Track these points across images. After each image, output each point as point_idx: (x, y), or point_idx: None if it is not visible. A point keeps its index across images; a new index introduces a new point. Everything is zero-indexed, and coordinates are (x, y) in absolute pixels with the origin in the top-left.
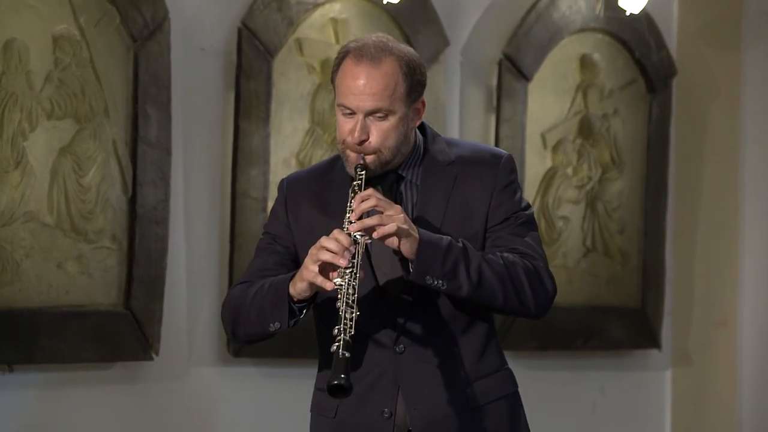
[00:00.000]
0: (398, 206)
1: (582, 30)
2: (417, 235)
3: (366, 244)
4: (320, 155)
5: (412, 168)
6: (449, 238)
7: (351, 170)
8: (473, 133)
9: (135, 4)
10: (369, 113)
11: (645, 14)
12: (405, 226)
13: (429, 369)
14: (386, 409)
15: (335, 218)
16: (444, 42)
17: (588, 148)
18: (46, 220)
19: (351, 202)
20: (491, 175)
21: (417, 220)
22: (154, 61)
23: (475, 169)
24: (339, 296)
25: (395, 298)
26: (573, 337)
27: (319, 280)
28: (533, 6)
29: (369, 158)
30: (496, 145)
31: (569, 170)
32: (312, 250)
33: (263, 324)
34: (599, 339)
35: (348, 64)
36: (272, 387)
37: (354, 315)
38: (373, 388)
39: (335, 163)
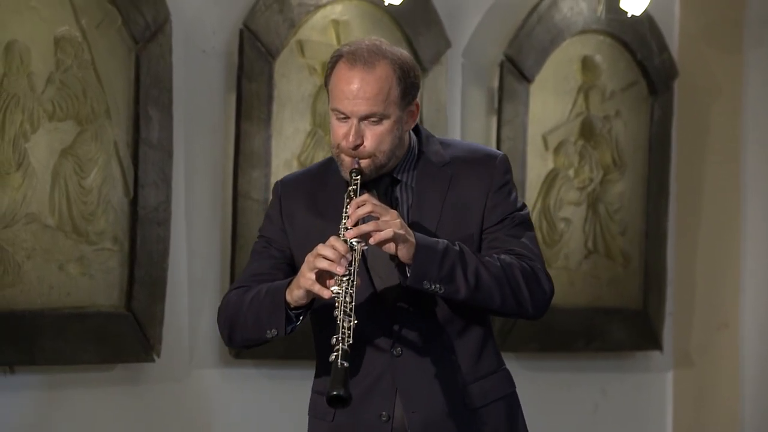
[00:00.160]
0: (394, 211)
1: (583, 32)
2: (413, 240)
3: (362, 249)
4: (321, 157)
5: (406, 170)
6: (446, 241)
7: (346, 174)
8: (474, 135)
9: (136, 6)
10: (363, 118)
11: (646, 16)
12: (401, 232)
13: (427, 372)
14: (384, 413)
15: (331, 221)
16: (445, 43)
17: (589, 149)
18: (47, 222)
19: (347, 208)
20: (487, 176)
21: (413, 224)
22: (155, 63)
23: (470, 169)
24: (336, 305)
25: (392, 303)
26: (574, 339)
27: (317, 288)
28: (535, 7)
29: (364, 162)
30: (498, 146)
31: (571, 172)
32: (309, 258)
33: (260, 331)
34: (601, 340)
35: (341, 69)
36: (273, 389)
37: (352, 324)
38: (371, 391)
39: (330, 165)
